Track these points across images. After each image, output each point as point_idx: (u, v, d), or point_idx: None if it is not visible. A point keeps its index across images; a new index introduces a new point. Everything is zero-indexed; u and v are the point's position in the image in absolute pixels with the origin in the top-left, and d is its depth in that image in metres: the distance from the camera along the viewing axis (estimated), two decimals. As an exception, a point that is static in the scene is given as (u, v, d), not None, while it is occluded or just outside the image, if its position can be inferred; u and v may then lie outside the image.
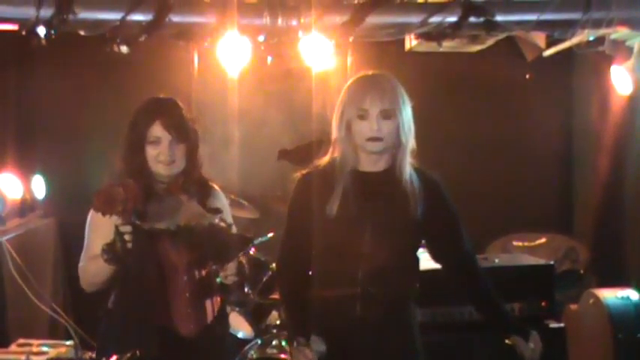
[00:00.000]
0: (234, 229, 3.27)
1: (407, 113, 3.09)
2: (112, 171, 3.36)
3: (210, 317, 3.39)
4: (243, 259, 3.34)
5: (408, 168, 3.12)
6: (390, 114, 3.04)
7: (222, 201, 3.52)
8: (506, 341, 3.28)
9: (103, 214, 3.07)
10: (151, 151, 3.28)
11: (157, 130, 3.27)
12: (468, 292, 3.33)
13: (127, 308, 3.27)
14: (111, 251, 3.09)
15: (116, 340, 3.21)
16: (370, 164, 3.10)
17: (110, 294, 3.36)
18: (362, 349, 3.14)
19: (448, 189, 3.25)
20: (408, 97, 3.12)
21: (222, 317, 3.53)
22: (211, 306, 3.40)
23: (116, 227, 3.07)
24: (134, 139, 3.29)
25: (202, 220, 3.24)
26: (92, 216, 3.30)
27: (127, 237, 3.07)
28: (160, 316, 3.27)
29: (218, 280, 3.25)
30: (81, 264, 3.35)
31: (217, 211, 3.38)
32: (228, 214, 3.51)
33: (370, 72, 3.22)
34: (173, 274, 3.30)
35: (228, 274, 3.23)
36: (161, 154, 3.27)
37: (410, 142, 3.10)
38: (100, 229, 3.21)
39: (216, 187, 3.55)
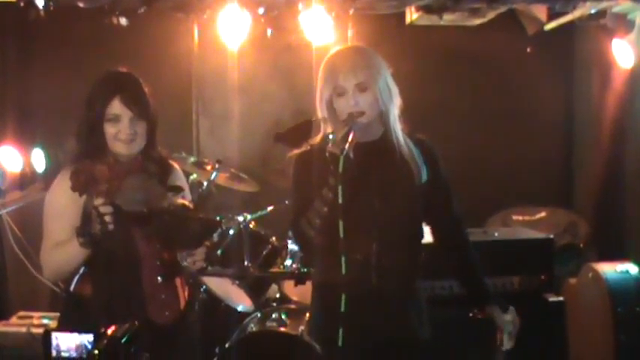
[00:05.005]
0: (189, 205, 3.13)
1: (384, 81, 3.09)
2: (66, 151, 3.20)
3: (182, 303, 3.28)
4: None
5: (400, 133, 3.15)
6: (365, 86, 3.05)
7: (182, 179, 3.38)
8: (479, 315, 3.29)
9: (81, 194, 2.97)
10: (110, 130, 3.06)
11: (117, 107, 3.06)
12: (452, 254, 3.33)
13: (97, 294, 3.08)
14: (87, 234, 2.96)
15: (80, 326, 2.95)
16: (363, 135, 3.10)
17: (71, 276, 3.16)
18: (377, 320, 3.12)
19: (440, 154, 3.25)
20: (386, 65, 3.13)
21: (192, 303, 3.45)
22: (183, 292, 3.29)
23: (96, 208, 2.93)
24: (92, 117, 3.07)
25: (163, 199, 3.08)
26: (53, 199, 3.14)
27: (107, 218, 2.92)
28: (133, 302, 3.10)
29: (185, 264, 3.12)
30: (44, 253, 3.14)
31: (179, 189, 3.20)
32: (188, 192, 3.40)
33: (343, 46, 3.24)
34: (145, 257, 3.15)
35: (196, 259, 3.11)
36: (121, 133, 3.06)
37: (392, 109, 3.11)
38: (63, 213, 3.07)
39: (175, 165, 3.39)
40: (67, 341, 2.47)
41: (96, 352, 2.42)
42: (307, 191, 3.06)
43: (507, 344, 3.24)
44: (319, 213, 2.95)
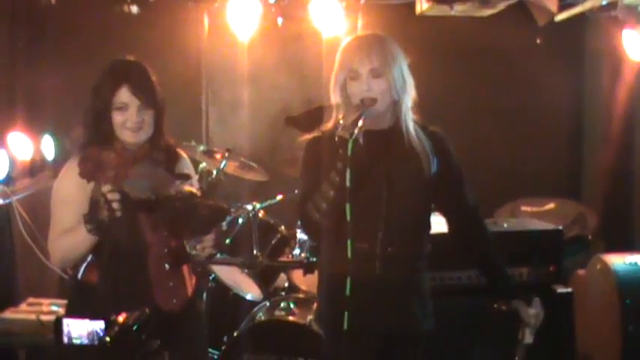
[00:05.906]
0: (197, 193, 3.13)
1: (399, 70, 3.09)
2: (74, 139, 3.19)
3: (190, 291, 3.29)
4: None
5: (411, 124, 3.14)
6: (379, 72, 3.05)
7: (189, 167, 3.40)
8: (503, 307, 3.28)
9: (89, 181, 3.00)
10: (117, 118, 3.08)
11: (124, 96, 3.07)
12: (470, 247, 3.32)
13: (104, 281, 3.09)
14: (95, 220, 2.98)
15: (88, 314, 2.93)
16: (374, 123, 3.09)
17: (79, 264, 3.18)
18: (379, 309, 3.13)
19: (453, 145, 3.25)
20: (403, 55, 3.13)
21: (200, 291, 3.46)
22: (190, 279, 3.30)
23: (103, 194, 2.95)
24: (99, 105, 3.08)
25: (170, 187, 3.09)
26: (61, 186, 3.16)
27: (115, 205, 2.95)
28: (141, 289, 3.11)
29: (194, 252, 3.12)
30: (51, 240, 3.16)
31: (186, 177, 3.22)
32: (195, 180, 3.42)
33: (361, 33, 3.24)
34: (153, 245, 3.16)
35: (205, 245, 3.12)
36: (128, 121, 3.08)
37: (405, 98, 3.11)
38: (71, 200, 3.09)
39: (183, 153, 3.39)
40: (78, 328, 2.48)
41: (107, 339, 2.43)
42: (316, 176, 3.06)
43: (529, 338, 3.22)
44: (326, 196, 2.96)
